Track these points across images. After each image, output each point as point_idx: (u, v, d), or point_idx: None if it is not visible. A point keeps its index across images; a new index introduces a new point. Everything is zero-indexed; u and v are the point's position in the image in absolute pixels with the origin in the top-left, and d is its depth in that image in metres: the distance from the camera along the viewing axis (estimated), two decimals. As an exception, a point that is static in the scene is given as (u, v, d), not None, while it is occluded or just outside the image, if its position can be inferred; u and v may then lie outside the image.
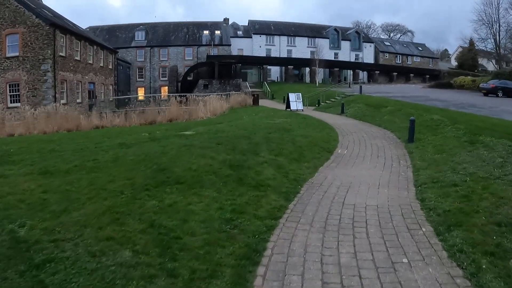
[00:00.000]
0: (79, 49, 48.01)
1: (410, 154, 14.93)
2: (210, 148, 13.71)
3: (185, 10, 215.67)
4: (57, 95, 41.79)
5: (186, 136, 17.46)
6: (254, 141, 15.67)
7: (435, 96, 38.71)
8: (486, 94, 42.70)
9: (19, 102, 40.95)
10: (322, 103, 43.70)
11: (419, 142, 16.60)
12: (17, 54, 40.96)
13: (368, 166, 13.26)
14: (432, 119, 20.44)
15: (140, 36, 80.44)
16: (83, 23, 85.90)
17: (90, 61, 51.82)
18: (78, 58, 47.71)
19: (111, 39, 78.98)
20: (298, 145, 15.81)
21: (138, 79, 78.47)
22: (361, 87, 45.81)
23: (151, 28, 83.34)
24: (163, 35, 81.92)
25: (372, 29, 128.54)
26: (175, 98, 41.63)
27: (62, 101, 43.14)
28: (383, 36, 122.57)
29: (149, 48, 78.57)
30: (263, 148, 14.46)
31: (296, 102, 38.16)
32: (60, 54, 42.93)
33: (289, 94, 38.82)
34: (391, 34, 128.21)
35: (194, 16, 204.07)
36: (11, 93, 41.29)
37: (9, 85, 41.37)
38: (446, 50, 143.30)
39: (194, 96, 50.00)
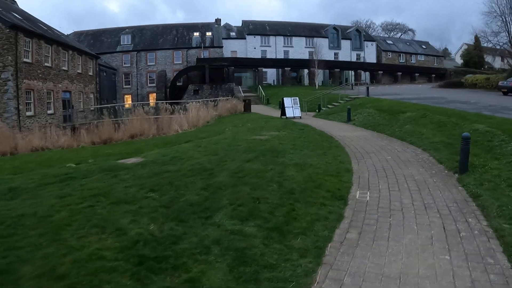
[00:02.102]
0: (50, 55, 42.11)
1: (476, 200, 8.85)
2: (126, 203, 8.49)
3: (186, 14, 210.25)
4: (21, 107, 36.15)
5: (118, 170, 11.97)
6: (217, 181, 10.07)
7: (452, 97, 32.33)
8: (505, 93, 36.43)
9: (-20, 115, 35.52)
10: (324, 108, 37.51)
11: (478, 171, 10.74)
12: None
13: (416, 239, 6.99)
14: (477, 131, 14.66)
15: (126, 40, 74.56)
16: (80, 29, 79.37)
17: (65, 68, 45.92)
18: (49, 64, 41.87)
19: (96, 44, 73.65)
20: (288, 187, 9.75)
21: (124, 86, 72.57)
22: (368, 88, 39.36)
23: (137, 32, 77.47)
24: (151, 38, 76.02)
25: (372, 29, 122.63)
26: (156, 106, 35.67)
27: (29, 113, 37.87)
28: (383, 35, 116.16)
29: (136, 52, 72.58)
30: (223, 202, 8.62)
31: (292, 108, 32.08)
32: (25, 60, 37.37)
33: (284, 98, 32.66)
34: (391, 33, 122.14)
35: (195, 21, 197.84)
36: None
37: None
38: (446, 48, 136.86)
39: (184, 103, 44.37)
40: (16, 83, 35.49)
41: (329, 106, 37.45)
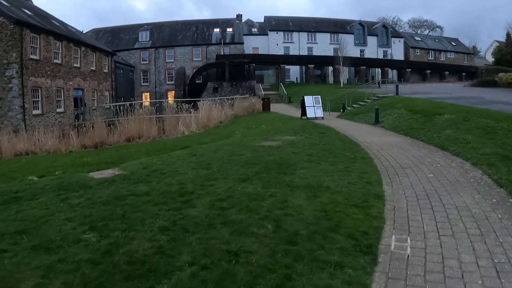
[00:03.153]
0: (60, 51, 39.57)
1: None
2: (48, 249, 5.95)
3: (211, 12, 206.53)
4: (27, 105, 33.82)
5: (76, 190, 9.46)
6: (189, 215, 7.36)
7: (490, 96, 28.30)
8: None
9: (-16, 114, 33.60)
10: (348, 108, 33.96)
11: None
12: None
13: None
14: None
15: (144, 36, 71.71)
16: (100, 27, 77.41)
17: (77, 65, 43.40)
18: (58, 61, 39.44)
19: (114, 40, 71.13)
20: (289, 229, 6.64)
21: (142, 84, 69.80)
22: (397, 86, 35.58)
23: (156, 28, 74.44)
24: (170, 34, 72.85)
25: (399, 26, 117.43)
26: (179, 104, 32.85)
27: (36, 112, 35.49)
28: (411, 32, 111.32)
29: (154, 49, 69.62)
30: (181, 259, 5.72)
31: (314, 107, 28.70)
32: (32, 57, 34.94)
33: (305, 97, 29.23)
34: (419, 31, 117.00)
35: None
36: None
37: None
38: (475, 46, 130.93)
39: (202, 101, 41.61)
40: (21, 80, 33.10)
41: (355, 105, 33.96)
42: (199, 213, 7.04)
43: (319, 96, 30.18)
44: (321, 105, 29.40)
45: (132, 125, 21.32)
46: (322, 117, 28.08)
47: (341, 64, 63.14)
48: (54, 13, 47.94)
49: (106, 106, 49.64)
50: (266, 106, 37.21)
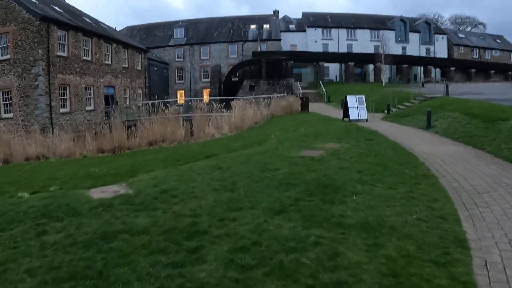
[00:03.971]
0: (89, 48, 38.01)
1: None
2: None
3: (249, 8, 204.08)
4: (54, 103, 32.49)
5: (59, 219, 7.42)
6: (193, 279, 4.48)
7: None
8: None
9: (12, 112, 32.44)
10: (394, 109, 30.80)
11: None
12: (8, 57, 32.12)
13: None
14: None
15: (179, 33, 69.70)
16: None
17: (108, 62, 41.81)
18: (88, 58, 37.95)
19: (149, 38, 69.66)
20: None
21: (177, 81, 67.86)
22: (447, 86, 32.04)
23: (191, 25, 72.33)
24: (205, 31, 70.67)
25: (440, 22, 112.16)
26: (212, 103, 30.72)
27: (63, 110, 34.16)
28: (452, 29, 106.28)
29: (189, 46, 67.57)
30: None
31: (357, 108, 25.99)
32: (59, 54, 33.52)
33: (348, 97, 26.48)
34: (461, 27, 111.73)
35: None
36: (4, 102, 32.73)
37: (2, 93, 32.72)
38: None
39: (236, 100, 39.43)
40: (48, 78, 31.67)
41: (400, 106, 30.89)
42: (209, 276, 4.66)
43: (363, 96, 27.38)
44: (365, 105, 26.67)
45: (155, 127, 19.02)
46: (366, 119, 25.39)
47: (383, 62, 59.84)
48: (93, 12, 46.66)
49: (139, 104, 48.05)
50: (304, 106, 34.62)
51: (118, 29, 61.26)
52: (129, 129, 19.52)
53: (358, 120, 24.87)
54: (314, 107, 36.48)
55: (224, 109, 27.97)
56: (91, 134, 17.83)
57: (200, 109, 22.89)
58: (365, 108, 26.56)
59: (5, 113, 32.55)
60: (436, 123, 20.13)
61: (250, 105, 29.27)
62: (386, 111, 30.62)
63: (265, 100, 35.33)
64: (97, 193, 9.27)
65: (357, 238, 5.90)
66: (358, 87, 50.97)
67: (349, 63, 67.04)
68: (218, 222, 6.58)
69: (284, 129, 20.83)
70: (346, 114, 26.15)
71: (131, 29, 72.87)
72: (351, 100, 26.32)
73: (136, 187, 9.28)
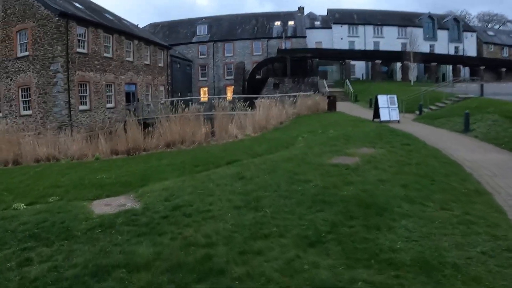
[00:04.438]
0: (110, 44, 36.98)
1: None
2: None
3: (273, 5, 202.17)
4: (73, 100, 31.52)
5: (42, 245, 6.14)
6: None
7: None
8: None
9: (30, 109, 31.74)
10: (425, 110, 28.77)
11: None
12: (27, 53, 31.36)
13: None
14: None
15: (202, 30, 68.31)
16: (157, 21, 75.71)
17: (129, 58, 40.70)
18: (109, 55, 36.86)
19: (172, 35, 68.31)
20: None
21: (200, 78, 66.48)
22: (482, 86, 29.82)
23: (214, 22, 70.88)
24: (228, 28, 69.12)
25: (468, 20, 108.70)
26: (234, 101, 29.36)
27: (83, 107, 33.13)
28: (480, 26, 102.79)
29: (212, 43, 66.22)
30: None
31: (388, 108, 24.30)
32: (79, 50, 32.46)
33: (378, 97, 24.76)
34: (488, 25, 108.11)
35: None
36: (23, 99, 32.03)
37: (21, 90, 31.98)
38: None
39: (260, 99, 38.04)
40: (67, 75, 30.70)
41: (432, 107, 28.96)
42: None
43: (395, 96, 25.64)
44: (397, 106, 24.95)
45: (173, 127, 17.65)
46: (398, 121, 23.76)
47: (411, 60, 57.66)
48: (116, 10, 45.75)
49: (161, 102, 47.06)
50: (331, 105, 33.04)
51: (140, 26, 60.36)
52: (148, 128, 18.19)
53: (389, 121, 23.27)
54: (341, 106, 34.85)
55: (248, 108, 26.61)
56: (106, 133, 16.55)
57: (223, 107, 21.43)
58: (397, 109, 24.87)
59: (24, 110, 31.87)
60: (474, 126, 18.45)
61: (275, 104, 27.83)
62: (417, 112, 28.84)
63: (290, 99, 33.86)
64: (99, 207, 8.05)
65: (415, 283, 4.52)
66: (385, 86, 49.07)
67: (376, 61, 64.90)
68: (238, 255, 5.25)
69: (312, 131, 19.38)
70: (376, 114, 24.54)
71: (154, 26, 71.94)
72: (382, 99, 24.68)
73: (145, 200, 8.04)
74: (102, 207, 8.07)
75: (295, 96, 35.77)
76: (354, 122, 23.02)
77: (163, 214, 7.03)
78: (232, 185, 8.93)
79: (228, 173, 10.18)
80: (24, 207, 8.53)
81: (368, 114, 27.23)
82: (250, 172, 10.09)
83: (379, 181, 9.10)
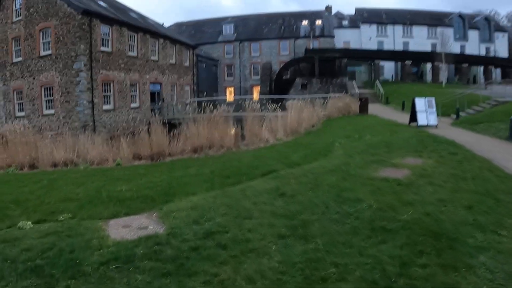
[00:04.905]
0: (135, 43, 36.06)
1: None
2: None
3: (298, 5, 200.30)
4: (96, 100, 30.68)
5: None
6: None
7: None
8: None
9: (53, 108, 31.06)
10: (462, 114, 26.93)
11: None
12: (50, 52, 30.67)
13: None
14: None
15: (228, 30, 67.05)
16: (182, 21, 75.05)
17: (154, 58, 39.74)
18: (133, 53, 35.96)
19: (197, 34, 67.25)
20: None
21: (226, 78, 65.36)
22: None
23: (240, 21, 69.48)
24: (255, 28, 67.74)
25: (496, 19, 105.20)
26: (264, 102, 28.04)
27: (106, 107, 32.31)
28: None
29: (238, 42, 64.94)
30: None
31: (426, 112, 22.48)
32: (103, 49, 31.67)
33: (416, 99, 22.94)
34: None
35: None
36: (46, 98, 31.39)
37: (44, 89, 31.37)
38: None
39: (292, 101, 36.82)
40: (90, 74, 29.85)
41: (469, 111, 26.98)
42: None
43: (433, 99, 23.82)
44: (435, 109, 23.17)
45: (201, 131, 16.23)
46: (436, 125, 22.09)
47: (443, 61, 55.46)
48: (142, 10, 44.94)
49: (186, 102, 46.05)
50: (363, 108, 31.41)
51: (166, 25, 59.59)
52: (173, 131, 16.80)
53: (427, 126, 21.60)
54: (371, 108, 33.11)
55: (278, 109, 25.12)
56: (129, 135, 15.25)
57: (254, 109, 20.00)
58: (435, 113, 23.13)
59: (46, 109, 31.26)
60: (521, 134, 16.77)
61: (306, 106, 26.35)
62: (454, 116, 27.01)
63: (320, 100, 32.35)
64: (117, 229, 6.80)
65: None
66: (416, 87, 46.98)
67: (406, 62, 62.79)
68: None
69: (347, 136, 17.94)
70: (413, 118, 22.85)
71: (179, 26, 71.07)
72: (419, 103, 22.93)
73: (170, 223, 6.77)
74: (120, 229, 6.82)
75: (326, 97, 34.32)
76: (390, 126, 21.53)
77: (192, 244, 5.74)
78: (272, 204, 7.60)
79: (265, 187, 8.84)
80: (31, 226, 7.32)
81: (402, 117, 25.86)
82: (290, 187, 8.75)
83: (439, 201, 7.77)
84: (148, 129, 15.68)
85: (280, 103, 26.55)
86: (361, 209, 7.20)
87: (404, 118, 24.95)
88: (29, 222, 7.52)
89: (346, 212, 7.07)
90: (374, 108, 33.66)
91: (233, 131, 17.53)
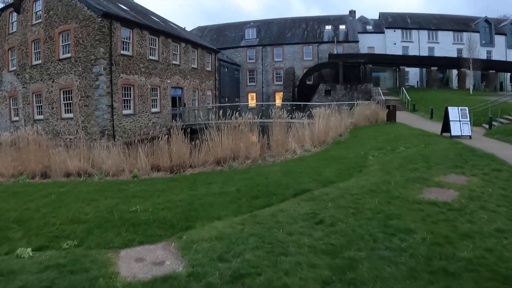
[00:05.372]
0: (156, 47, 35.31)
1: None
2: None
3: (320, 10, 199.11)
4: (116, 104, 29.93)
5: None
6: None
7: None
8: None
9: (72, 112, 30.45)
10: (495, 123, 25.18)
11: None
12: (69, 55, 30.09)
13: None
14: None
15: (250, 34, 65.95)
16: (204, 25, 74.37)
17: (176, 62, 38.97)
18: (155, 57, 35.25)
19: (219, 38, 66.44)
20: None
21: (248, 83, 64.27)
22: None
23: (263, 25, 68.50)
24: (278, 32, 66.63)
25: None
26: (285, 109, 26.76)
27: (126, 111, 31.51)
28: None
29: (261, 47, 63.77)
30: None
31: (460, 122, 21.13)
32: (123, 52, 30.91)
33: (449, 108, 21.51)
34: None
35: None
36: (65, 102, 30.84)
37: (63, 92, 30.81)
38: None
39: (311, 106, 35.44)
40: (110, 77, 29.11)
41: (502, 120, 25.38)
42: None
43: (466, 108, 22.39)
44: (468, 119, 21.79)
45: (224, 141, 14.97)
46: (470, 136, 20.72)
47: (470, 67, 53.50)
48: (164, 14, 44.21)
49: (208, 107, 45.13)
50: (391, 116, 29.98)
51: (188, 29, 58.85)
52: (194, 139, 15.59)
53: (460, 137, 20.27)
54: (399, 116, 31.63)
55: (302, 116, 23.77)
56: (148, 142, 14.04)
57: (280, 116, 18.66)
58: (469, 123, 21.71)
59: (65, 113, 30.67)
60: None
61: (333, 113, 25.02)
62: (486, 125, 25.46)
63: (345, 107, 31.00)
64: (128, 263, 5.76)
65: None
66: (444, 94, 45.39)
67: (431, 68, 61.01)
68: None
69: (379, 147, 16.68)
70: (446, 128, 21.52)
71: (201, 30, 70.26)
72: (453, 112, 21.54)
73: (191, 258, 5.69)
74: (132, 263, 5.76)
75: (351, 104, 33.09)
76: (422, 136, 20.18)
77: (218, 293, 4.65)
78: (309, 234, 6.45)
79: (299, 212, 7.69)
80: (30, 254, 6.34)
81: (432, 126, 24.66)
82: (328, 212, 7.60)
83: (498, 232, 6.64)
84: (168, 138, 14.52)
85: (308, 112, 25.40)
86: (414, 244, 6.04)
87: (434, 127, 23.82)
88: (29, 249, 6.54)
89: (398, 247, 5.92)
90: (400, 116, 32.19)
91: (255, 139, 16.28)
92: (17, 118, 34.27)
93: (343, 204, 8.15)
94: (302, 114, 22.94)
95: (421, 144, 16.78)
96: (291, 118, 23.17)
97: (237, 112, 18.82)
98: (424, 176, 10.72)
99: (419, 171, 11.32)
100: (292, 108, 28.61)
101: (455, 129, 20.92)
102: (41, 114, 31.99)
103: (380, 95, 44.22)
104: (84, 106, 29.25)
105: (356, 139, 20.73)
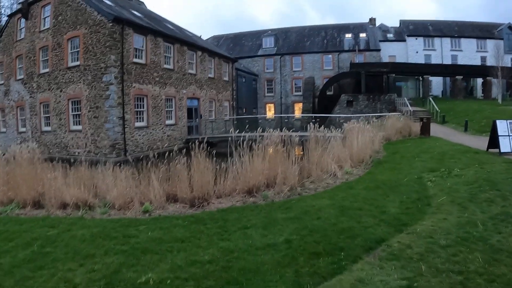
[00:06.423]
0: (171, 55, 32.86)
1: None
2: None
3: (336, 19, 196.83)
4: (128, 116, 27.51)
5: None
6: None
7: None
8: None
9: (80, 124, 28.15)
10: None
11: None
12: (78, 63, 27.85)
13: None
14: None
15: (268, 43, 63.54)
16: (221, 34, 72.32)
17: (192, 71, 36.47)
18: (169, 66, 32.82)
19: (236, 48, 64.02)
20: None
21: (266, 94, 61.68)
22: None
23: (281, 34, 65.99)
24: (296, 41, 64.01)
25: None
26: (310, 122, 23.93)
27: (139, 124, 29.03)
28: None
29: (279, 56, 61.22)
30: None
31: (509, 137, 18.42)
32: (136, 60, 28.52)
33: (497, 122, 18.69)
34: None
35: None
36: (73, 113, 28.59)
37: (72, 103, 28.54)
38: None
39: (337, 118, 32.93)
40: (121, 87, 26.69)
41: None
42: None
43: (516, 121, 19.75)
44: (518, 133, 19.05)
45: (256, 163, 11.89)
46: (516, 152, 17.90)
47: (498, 75, 50.36)
48: (179, 23, 41.84)
49: (225, 119, 42.58)
50: (425, 129, 26.86)
51: (203, 38, 56.57)
52: (214, 156, 12.62)
53: (510, 153, 17.58)
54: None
55: (328, 130, 20.77)
56: (160, 163, 11.07)
57: (318, 131, 15.80)
58: (519, 136, 18.96)
59: (73, 125, 28.44)
60: None
61: (363, 127, 22.12)
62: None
63: (374, 120, 28.06)
64: None
65: None
66: (473, 104, 42.10)
67: (456, 77, 57.85)
68: None
69: (430, 168, 13.80)
70: (493, 143, 18.70)
71: (217, 39, 67.99)
72: (501, 126, 18.68)
73: None
74: None
75: (380, 116, 30.29)
76: (469, 154, 17.28)
77: None
78: None
79: (390, 285, 4.98)
80: None
81: (471, 141, 22.21)
82: (427, 283, 4.89)
83: None
84: (187, 159, 11.68)
85: (336, 126, 22.57)
86: None
87: (473, 141, 21.49)
88: None
89: None
90: (431, 129, 29.06)
91: (292, 160, 13.40)
92: (24, 129, 32.16)
93: (440, 266, 5.45)
94: (329, 128, 20.00)
95: (475, 164, 13.97)
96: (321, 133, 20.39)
97: (260, 127, 16.15)
98: (507, 211, 8.14)
99: (495, 203, 8.77)
100: (316, 120, 26.02)
101: (504, 145, 18.14)
102: (49, 126, 29.83)
103: (407, 105, 41.23)
104: (94, 117, 26.88)
105: (398, 157, 17.84)
